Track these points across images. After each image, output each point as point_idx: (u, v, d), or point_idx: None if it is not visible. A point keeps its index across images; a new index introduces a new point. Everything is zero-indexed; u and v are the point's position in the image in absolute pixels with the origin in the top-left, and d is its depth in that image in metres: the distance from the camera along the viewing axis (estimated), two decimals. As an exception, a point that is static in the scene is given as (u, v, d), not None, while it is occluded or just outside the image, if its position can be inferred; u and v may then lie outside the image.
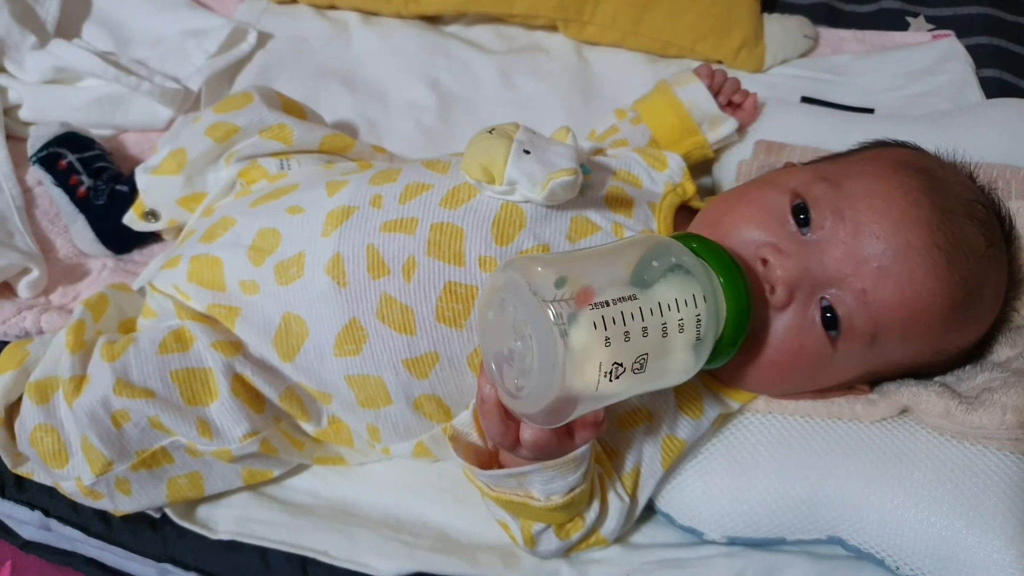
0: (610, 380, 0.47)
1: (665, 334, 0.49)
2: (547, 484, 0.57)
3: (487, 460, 0.61)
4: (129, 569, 0.74)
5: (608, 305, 0.47)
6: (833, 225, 0.57)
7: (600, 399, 0.50)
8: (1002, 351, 0.65)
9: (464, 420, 0.62)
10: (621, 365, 0.47)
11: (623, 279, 0.49)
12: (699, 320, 0.50)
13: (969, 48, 1.01)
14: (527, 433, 0.53)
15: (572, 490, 0.58)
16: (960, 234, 0.58)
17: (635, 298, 0.48)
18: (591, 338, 0.46)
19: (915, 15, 1.08)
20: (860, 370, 0.62)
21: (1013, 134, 0.81)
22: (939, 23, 1.07)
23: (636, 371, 0.48)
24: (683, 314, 0.49)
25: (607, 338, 0.46)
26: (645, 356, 0.48)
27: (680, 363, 0.51)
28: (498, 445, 0.58)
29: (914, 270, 0.56)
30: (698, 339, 0.51)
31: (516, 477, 0.58)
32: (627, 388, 0.49)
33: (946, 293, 0.57)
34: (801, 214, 0.59)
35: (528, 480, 0.58)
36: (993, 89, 0.96)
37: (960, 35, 1.03)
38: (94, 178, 0.87)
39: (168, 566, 0.70)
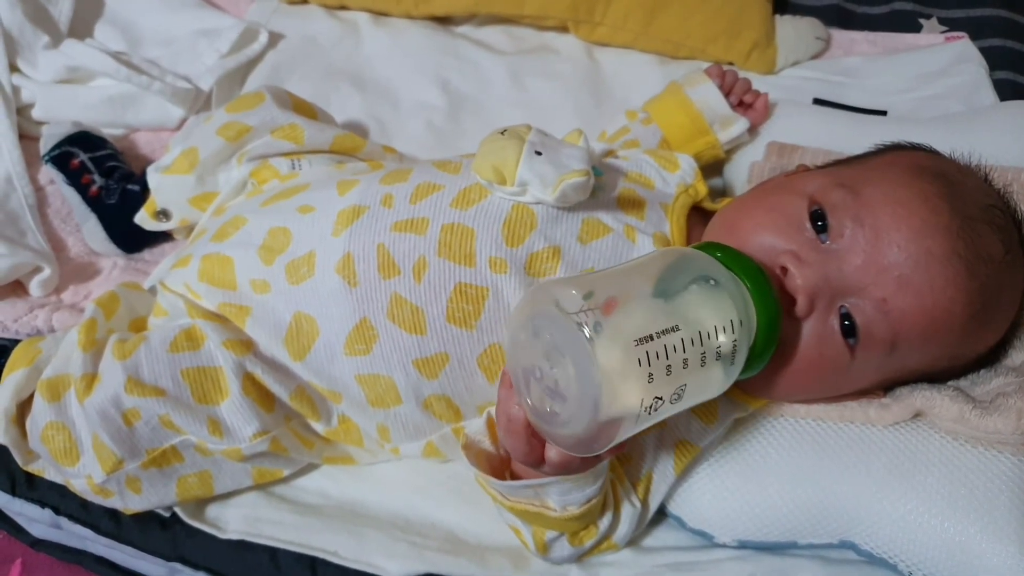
0: (649, 414, 0.47)
1: (704, 363, 0.48)
2: (564, 496, 0.57)
3: (499, 466, 0.61)
4: (139, 568, 0.75)
5: (652, 339, 0.46)
6: (853, 233, 0.57)
7: (635, 430, 0.49)
8: (1017, 356, 0.65)
9: (477, 428, 0.62)
10: (661, 399, 0.47)
11: (647, 292, 0.49)
12: (735, 344, 0.50)
13: (982, 50, 1.00)
14: (553, 453, 0.53)
15: (589, 501, 0.58)
16: (979, 241, 0.57)
17: (678, 329, 0.47)
18: (635, 375, 0.46)
19: (928, 17, 1.08)
20: (877, 377, 0.61)
21: (1027, 136, 0.81)
22: (952, 25, 1.06)
23: (674, 401, 0.48)
24: (722, 340, 0.49)
25: (650, 375, 0.46)
26: (684, 387, 0.48)
27: (713, 387, 0.51)
28: (521, 462, 0.57)
29: (935, 279, 0.56)
30: (732, 363, 0.51)
31: (533, 488, 0.58)
32: (660, 415, 0.49)
33: (965, 301, 0.57)
34: (819, 220, 0.58)
35: (545, 491, 0.58)
36: (1006, 91, 0.96)
37: (973, 37, 1.02)
38: (106, 177, 0.87)
39: (178, 565, 0.70)
